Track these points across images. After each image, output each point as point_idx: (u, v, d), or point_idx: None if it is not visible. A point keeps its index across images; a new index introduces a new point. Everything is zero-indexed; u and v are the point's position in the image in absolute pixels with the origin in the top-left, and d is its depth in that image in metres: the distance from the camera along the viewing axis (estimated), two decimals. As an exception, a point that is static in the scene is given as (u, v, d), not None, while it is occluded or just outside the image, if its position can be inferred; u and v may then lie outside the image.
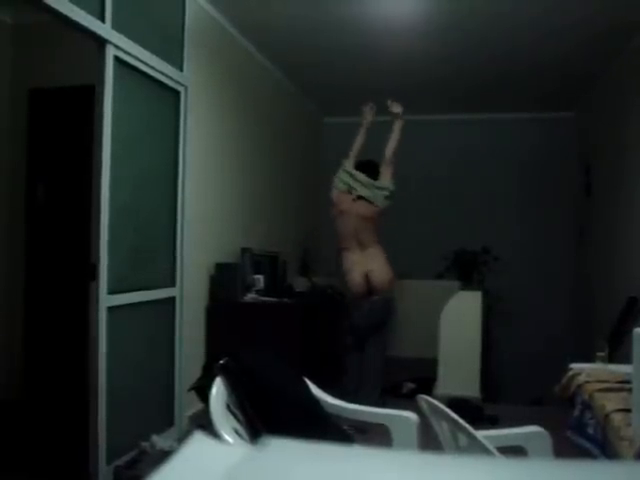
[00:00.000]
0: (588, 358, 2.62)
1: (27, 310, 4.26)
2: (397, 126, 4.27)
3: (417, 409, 1.98)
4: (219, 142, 4.50)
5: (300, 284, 5.27)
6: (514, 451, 1.83)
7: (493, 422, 4.05)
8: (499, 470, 0.58)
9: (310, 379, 2.27)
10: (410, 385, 5.06)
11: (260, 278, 4.49)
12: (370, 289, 4.14)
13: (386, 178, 4.22)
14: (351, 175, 4.25)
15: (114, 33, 2.93)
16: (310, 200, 6.65)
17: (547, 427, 2.02)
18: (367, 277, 4.13)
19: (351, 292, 4.20)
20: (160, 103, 3.48)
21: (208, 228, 4.26)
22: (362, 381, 4.20)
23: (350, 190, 4.22)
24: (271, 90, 5.63)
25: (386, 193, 4.20)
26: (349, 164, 4.31)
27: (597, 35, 4.41)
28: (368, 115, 4.39)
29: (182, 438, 3.36)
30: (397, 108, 4.27)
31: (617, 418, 1.79)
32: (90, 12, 2.77)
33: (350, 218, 4.18)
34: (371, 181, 4.21)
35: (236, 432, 1.73)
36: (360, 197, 4.20)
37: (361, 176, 4.23)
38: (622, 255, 4.82)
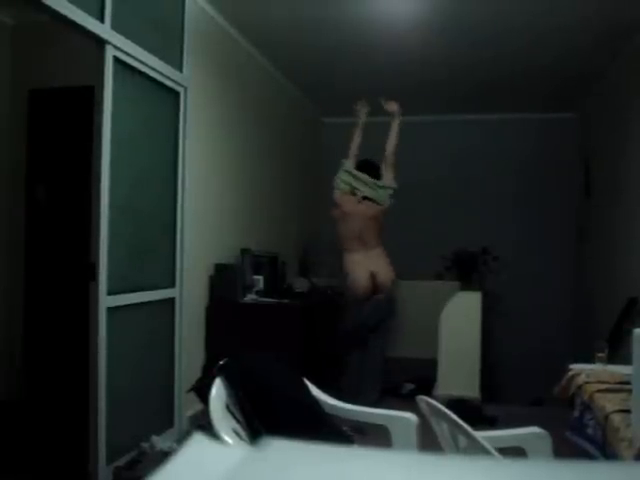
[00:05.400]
0: (588, 358, 2.61)
1: (27, 310, 4.26)
2: (395, 124, 4.28)
3: (417, 410, 1.98)
4: (219, 142, 4.50)
5: (300, 285, 5.26)
6: (514, 452, 1.83)
7: (493, 423, 4.04)
8: (499, 471, 0.58)
9: (310, 380, 2.27)
10: (410, 386, 5.05)
11: (260, 279, 4.49)
12: (374, 289, 4.14)
13: (388, 177, 4.22)
14: (352, 175, 4.25)
15: (113, 33, 2.93)
16: (310, 200, 6.65)
17: (547, 427, 2.02)
18: (372, 277, 4.13)
19: (355, 292, 4.19)
20: (160, 103, 3.48)
21: (208, 228, 4.26)
22: (363, 381, 4.20)
23: (353, 191, 4.21)
24: (271, 90, 5.63)
25: (390, 192, 4.20)
26: (349, 164, 4.30)
27: (597, 35, 4.41)
28: (362, 112, 4.38)
29: (182, 439, 3.36)
30: (392, 106, 4.27)
31: (617, 419, 1.79)
32: (89, 12, 2.77)
33: (355, 219, 4.17)
34: (374, 181, 4.21)
35: (236, 433, 1.73)
36: (365, 198, 4.20)
37: (363, 176, 4.23)
38: (622, 255, 4.82)
